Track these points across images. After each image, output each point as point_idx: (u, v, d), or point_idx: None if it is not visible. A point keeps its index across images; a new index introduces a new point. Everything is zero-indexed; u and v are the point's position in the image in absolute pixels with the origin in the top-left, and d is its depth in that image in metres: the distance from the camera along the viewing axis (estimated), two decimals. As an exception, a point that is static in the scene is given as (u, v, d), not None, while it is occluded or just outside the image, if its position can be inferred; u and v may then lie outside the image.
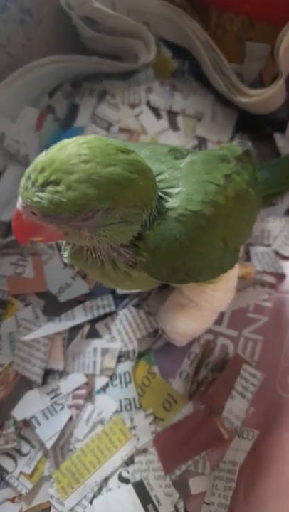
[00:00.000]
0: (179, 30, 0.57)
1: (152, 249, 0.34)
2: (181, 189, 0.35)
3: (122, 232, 0.32)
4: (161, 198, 0.34)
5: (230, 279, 0.45)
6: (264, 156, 0.58)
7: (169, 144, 0.43)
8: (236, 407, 0.45)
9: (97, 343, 0.49)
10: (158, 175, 0.35)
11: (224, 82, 0.54)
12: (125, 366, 0.49)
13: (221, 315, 0.51)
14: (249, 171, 0.43)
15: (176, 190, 0.35)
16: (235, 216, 0.38)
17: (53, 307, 0.51)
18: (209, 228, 0.35)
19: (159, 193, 0.34)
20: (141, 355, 0.49)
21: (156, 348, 0.50)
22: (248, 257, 0.53)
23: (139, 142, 0.56)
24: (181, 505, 0.42)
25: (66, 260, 0.38)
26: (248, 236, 0.45)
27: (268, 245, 0.54)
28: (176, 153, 0.39)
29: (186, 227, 0.34)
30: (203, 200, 0.35)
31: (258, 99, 0.52)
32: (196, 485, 0.42)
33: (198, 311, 0.46)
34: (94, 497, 0.42)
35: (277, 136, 0.58)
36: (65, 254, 0.38)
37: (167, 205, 0.34)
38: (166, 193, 0.35)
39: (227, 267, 0.41)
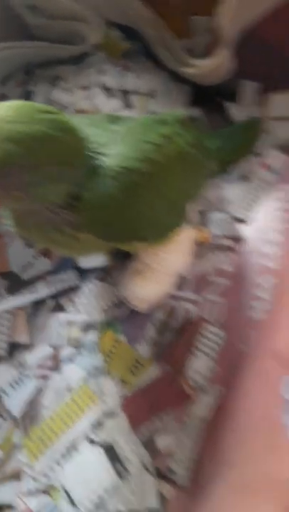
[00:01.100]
0: (125, 10, 0.58)
1: (89, 208, 0.35)
2: (117, 149, 0.36)
3: (54, 192, 0.33)
4: (97, 159, 0.35)
5: (181, 241, 0.46)
6: (218, 127, 0.59)
7: (114, 114, 0.44)
8: (199, 365, 0.46)
9: (62, 316, 0.50)
10: (94, 138, 0.36)
11: (171, 57, 0.56)
12: (91, 336, 0.50)
13: (184, 281, 0.52)
14: (193, 135, 0.44)
15: (112, 151, 0.36)
16: (177, 175, 0.39)
17: (17, 286, 0.52)
18: (147, 186, 0.36)
19: (94, 153, 0.35)
20: (107, 325, 0.50)
21: (122, 316, 0.51)
22: (205, 223, 0.54)
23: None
24: (149, 461, 0.43)
25: (12, 229, 0.39)
26: (196, 197, 0.46)
27: (225, 211, 0.55)
28: (117, 120, 0.40)
29: (121, 184, 0.35)
30: (138, 158, 0.36)
31: (204, 69, 0.53)
32: (163, 442, 0.43)
33: (155, 275, 0.47)
34: (64, 460, 0.43)
35: (229, 105, 0.59)
36: (9, 223, 0.39)
37: (101, 164, 0.35)
38: (102, 154, 0.36)
39: (174, 227, 0.42)
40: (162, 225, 0.40)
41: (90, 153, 0.35)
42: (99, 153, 0.35)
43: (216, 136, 0.56)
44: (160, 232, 0.40)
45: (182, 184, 0.41)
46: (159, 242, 0.43)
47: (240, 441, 0.39)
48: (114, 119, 0.40)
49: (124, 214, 0.36)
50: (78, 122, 0.36)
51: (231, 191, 0.55)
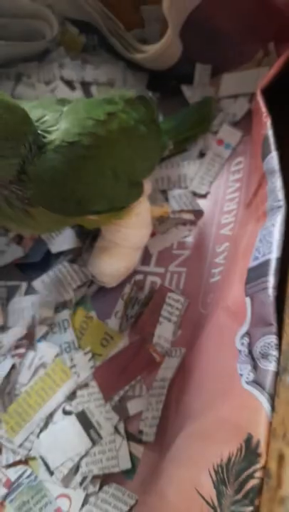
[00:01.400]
0: (78, 6, 0.61)
1: (36, 181, 0.37)
2: (61, 126, 0.38)
3: (3, 167, 0.35)
4: (42, 136, 0.37)
5: (139, 214, 0.48)
6: (176, 109, 0.61)
7: (64, 98, 0.47)
8: (165, 332, 0.48)
9: (34, 299, 0.52)
10: (39, 118, 0.39)
11: (123, 45, 0.58)
12: (63, 315, 0.52)
13: (149, 256, 0.54)
14: (141, 112, 0.47)
15: (56, 127, 0.38)
16: (122, 148, 0.42)
17: (-10, 273, 0.55)
18: (92, 158, 0.39)
19: (40, 131, 0.37)
20: (78, 304, 0.53)
21: (92, 294, 0.53)
22: (167, 201, 0.56)
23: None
24: (121, 425, 0.44)
25: None
26: (147, 171, 0.48)
27: (186, 187, 0.57)
28: (64, 102, 0.43)
29: (65, 157, 0.37)
30: (80, 133, 0.38)
31: (153, 54, 0.56)
32: (133, 406, 0.45)
33: (118, 250, 0.49)
34: (41, 432, 0.45)
35: (184, 88, 0.62)
36: None
37: (46, 140, 0.37)
38: (47, 131, 0.38)
39: (127, 199, 0.44)
40: (113, 197, 0.42)
41: (37, 131, 0.37)
42: (45, 130, 0.38)
43: (172, 117, 0.59)
44: (112, 204, 0.42)
45: (130, 158, 0.43)
46: (115, 216, 0.46)
47: (201, 394, 0.41)
48: (63, 102, 0.42)
49: (69, 186, 0.38)
50: (26, 105, 0.38)
51: (190, 168, 0.58)
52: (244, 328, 0.38)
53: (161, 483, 0.39)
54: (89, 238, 0.57)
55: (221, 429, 0.35)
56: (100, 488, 0.42)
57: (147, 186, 0.50)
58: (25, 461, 0.45)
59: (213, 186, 0.56)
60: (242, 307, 0.39)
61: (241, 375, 0.36)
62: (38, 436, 0.45)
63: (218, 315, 0.42)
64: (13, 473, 0.44)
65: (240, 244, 0.46)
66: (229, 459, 0.32)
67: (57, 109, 0.41)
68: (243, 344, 0.37)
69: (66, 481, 0.43)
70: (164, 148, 0.55)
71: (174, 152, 0.58)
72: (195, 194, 0.56)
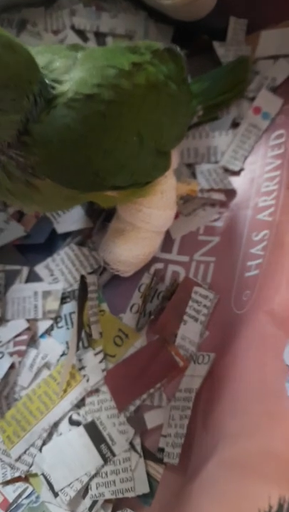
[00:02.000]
0: None
1: (43, 144, 0.29)
2: (74, 75, 0.30)
3: (0, 126, 0.27)
4: (51, 87, 0.29)
5: (165, 192, 0.41)
6: (205, 69, 0.53)
7: (77, 44, 0.38)
8: (190, 332, 0.41)
9: (37, 287, 0.45)
10: (48, 64, 0.31)
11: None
12: (71, 307, 0.45)
13: (171, 242, 0.47)
14: (171, 68, 0.38)
15: (69, 76, 0.30)
16: (150, 107, 0.34)
17: (-13, 254, 0.48)
18: (113, 117, 0.31)
19: (48, 80, 0.29)
20: (88, 294, 0.46)
21: (104, 283, 0.46)
22: (194, 177, 0.49)
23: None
24: (137, 441, 0.38)
25: None
26: (177, 139, 0.41)
27: (216, 162, 0.49)
28: (78, 48, 0.34)
29: (80, 114, 0.29)
30: (100, 84, 0.30)
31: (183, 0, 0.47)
32: (152, 419, 0.39)
33: (138, 234, 0.42)
34: (44, 444, 0.39)
35: (216, 44, 0.53)
36: None
37: (56, 92, 0.29)
38: (57, 81, 0.30)
39: (153, 173, 0.36)
40: (137, 169, 0.34)
41: (44, 80, 0.29)
42: (55, 80, 0.30)
43: (202, 78, 0.50)
44: (134, 178, 0.35)
45: (159, 121, 0.35)
46: (137, 193, 0.38)
47: (235, 412, 0.34)
48: (76, 48, 0.34)
49: (84, 151, 0.30)
50: (30, 50, 0.30)
51: (221, 140, 0.49)
52: (297, 341, 0.31)
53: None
54: (101, 217, 0.49)
55: (268, 462, 0.29)
56: (112, 513, 0.37)
57: (174, 158, 0.42)
58: (25, 478, 0.39)
59: (248, 162, 0.48)
60: (294, 314, 0.32)
61: (293, 398, 0.30)
62: (40, 449, 0.39)
63: (259, 320, 0.35)
64: (11, 492, 0.38)
65: (287, 235, 0.39)
66: (281, 506, 0.26)
67: (69, 55, 0.32)
68: (295, 360, 0.31)
69: (73, 505, 0.37)
70: (193, 115, 0.47)
71: (203, 120, 0.50)
72: (226, 170, 0.48)
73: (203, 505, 0.31)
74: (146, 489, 0.36)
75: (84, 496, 0.37)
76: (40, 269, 0.46)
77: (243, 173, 0.48)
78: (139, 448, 0.38)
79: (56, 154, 0.30)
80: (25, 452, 0.39)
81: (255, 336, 0.35)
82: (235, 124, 0.50)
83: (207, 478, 0.33)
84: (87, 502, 0.36)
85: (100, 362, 0.42)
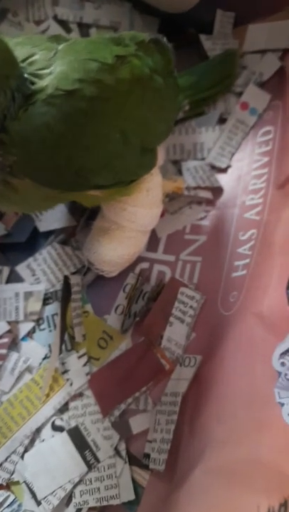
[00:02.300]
0: None
1: (21, 143, 0.28)
2: (55, 69, 0.29)
3: None
4: (30, 82, 0.28)
5: (150, 190, 0.39)
6: (192, 63, 0.52)
7: (59, 35, 0.36)
8: (176, 334, 0.40)
9: (18, 288, 0.44)
10: (27, 58, 0.29)
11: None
12: (53, 308, 0.43)
13: (157, 241, 0.46)
14: (157, 60, 0.37)
15: (48, 70, 0.28)
16: (134, 103, 0.32)
17: None
18: (95, 115, 0.29)
19: (27, 75, 0.28)
20: (71, 295, 0.44)
21: (88, 283, 0.45)
22: (180, 174, 0.48)
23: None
24: (122, 447, 0.37)
25: None
26: (163, 135, 0.39)
27: (202, 159, 0.48)
28: (59, 39, 0.33)
29: (60, 112, 0.28)
30: (81, 79, 0.28)
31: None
32: (137, 424, 0.38)
33: (122, 233, 0.41)
34: (26, 451, 0.38)
35: (203, 37, 0.51)
36: None
37: (35, 87, 0.28)
38: (36, 75, 0.28)
39: (137, 169, 0.35)
40: (121, 168, 0.33)
41: (23, 75, 0.28)
42: (34, 74, 0.28)
43: (189, 72, 0.49)
44: (118, 176, 0.34)
45: (144, 117, 0.34)
46: (121, 192, 0.37)
47: (222, 417, 0.33)
48: (58, 39, 0.32)
49: (65, 151, 0.29)
50: (8, 41, 0.28)
51: (208, 136, 0.48)
52: (285, 345, 0.30)
53: (174, 522, 0.32)
54: (85, 215, 0.48)
55: (256, 472, 0.28)
56: (97, 522, 0.36)
57: (160, 155, 0.41)
58: (7, 486, 0.38)
59: (235, 159, 0.47)
60: (282, 317, 0.32)
61: (282, 404, 0.29)
62: (21, 456, 0.37)
63: (247, 322, 0.35)
64: (-9, 501, 0.37)
65: (274, 235, 0.38)
66: (269, 516, 0.26)
67: (50, 47, 0.31)
68: (283, 365, 0.30)
69: (56, 514, 0.36)
70: (179, 110, 0.46)
71: (189, 115, 0.49)
72: (213, 167, 0.47)
73: (190, 513, 0.31)
74: (131, 496, 0.35)
75: (68, 504, 0.35)
76: (21, 269, 0.45)
77: (230, 171, 0.47)
78: (124, 454, 0.37)
79: (35, 154, 0.28)
80: (6, 460, 0.37)
81: (243, 338, 0.34)
82: (222, 120, 0.49)
83: (194, 486, 0.32)
84: (70, 510, 0.35)
85: (84, 365, 0.40)
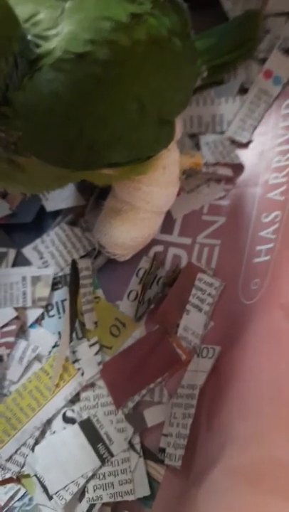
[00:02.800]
0: None
1: (26, 115, 0.25)
2: (62, 29, 0.25)
3: None
4: (35, 45, 0.24)
5: (167, 167, 0.36)
6: (210, 25, 0.47)
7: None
8: (193, 323, 0.38)
9: (25, 271, 0.41)
10: (30, 17, 0.25)
11: None
12: (62, 293, 0.41)
13: (172, 222, 0.43)
14: (174, 20, 0.33)
15: (55, 31, 0.25)
16: (152, 68, 0.29)
17: None
18: (110, 80, 0.26)
19: (31, 37, 0.24)
20: (81, 279, 0.42)
21: (98, 267, 0.42)
22: (197, 149, 0.44)
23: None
24: (136, 440, 0.36)
25: None
26: (181, 105, 0.36)
27: (221, 132, 0.45)
28: None
29: (70, 78, 0.25)
30: (93, 40, 0.25)
31: None
32: (152, 416, 0.36)
33: (136, 215, 0.38)
34: (36, 443, 0.37)
35: (222, -3, 0.47)
36: None
37: (40, 51, 0.24)
38: (42, 37, 0.25)
39: (155, 147, 0.32)
40: (137, 142, 0.30)
41: (26, 37, 0.24)
42: (39, 36, 0.25)
43: (207, 34, 0.45)
44: (134, 152, 0.30)
45: (162, 84, 0.30)
46: (136, 170, 0.34)
47: (245, 414, 0.32)
48: None
49: (76, 123, 0.26)
50: None
51: (228, 107, 0.45)
52: (316, 341, 0.28)
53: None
54: (94, 194, 0.45)
55: (284, 476, 0.27)
56: (111, 517, 0.35)
57: (178, 128, 0.38)
58: (17, 479, 0.36)
59: (258, 133, 0.43)
60: (313, 311, 0.29)
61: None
62: (32, 449, 0.36)
63: (273, 314, 0.32)
64: (2, 494, 0.35)
65: (302, 217, 0.35)
66: (298, 527, 0.24)
67: (55, 5, 0.27)
68: (313, 363, 0.28)
69: (69, 509, 0.34)
70: (197, 76, 0.42)
71: (207, 83, 0.45)
72: (233, 142, 0.44)
73: (210, 514, 0.29)
74: (146, 492, 0.34)
75: (80, 500, 0.34)
76: (28, 251, 0.42)
77: (251, 146, 0.43)
78: (138, 447, 0.35)
79: (42, 128, 0.25)
80: (16, 452, 0.36)
81: (267, 331, 0.32)
82: (243, 90, 0.45)
83: (214, 485, 0.30)
84: (84, 506, 0.34)
85: (96, 354, 0.38)
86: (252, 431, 0.30)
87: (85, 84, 0.25)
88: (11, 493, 0.35)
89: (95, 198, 0.44)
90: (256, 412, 0.30)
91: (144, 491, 0.34)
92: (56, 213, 0.44)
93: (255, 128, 0.44)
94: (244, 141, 0.43)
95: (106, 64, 0.25)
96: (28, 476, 0.36)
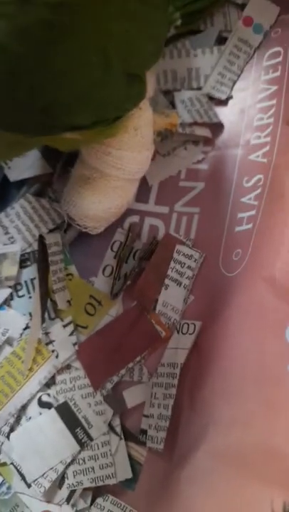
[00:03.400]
0: None
1: None
2: None
3: None
4: None
5: (139, 128, 0.33)
6: None
7: None
8: (172, 298, 0.36)
9: (-10, 248, 0.39)
10: None
11: None
12: (32, 271, 0.38)
13: (147, 190, 0.40)
14: None
15: None
16: (115, 12, 0.25)
17: None
18: (65, 27, 0.22)
19: None
20: (51, 255, 0.39)
21: (70, 241, 0.39)
22: (172, 107, 0.41)
23: None
24: (117, 422, 0.34)
25: None
26: (153, 57, 0.31)
27: (198, 88, 0.41)
28: None
29: (15, 25, 0.21)
30: None
31: None
32: (132, 397, 0.35)
33: (107, 183, 0.35)
34: (11, 430, 0.35)
35: None
36: None
37: None
38: None
39: (123, 103, 0.28)
40: (102, 101, 0.26)
41: None
42: None
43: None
44: (99, 113, 0.27)
45: (128, 31, 0.26)
46: (104, 132, 0.30)
47: (228, 395, 0.30)
48: None
49: (26, 80, 0.22)
50: None
51: (205, 60, 0.41)
52: (303, 317, 0.26)
53: (176, 504, 0.30)
54: (61, 160, 0.41)
55: (269, 461, 0.25)
56: (93, 501, 0.34)
57: (150, 84, 0.34)
58: (-6, 467, 0.35)
59: (238, 88, 0.40)
60: (300, 285, 0.27)
61: (299, 385, 0.25)
62: (7, 436, 0.34)
63: (256, 287, 0.30)
64: (-22, 484, 0.34)
65: (286, 182, 0.32)
66: (286, 513, 0.23)
67: None
68: (301, 341, 0.26)
69: (49, 495, 0.33)
70: (170, 24, 0.38)
71: (181, 32, 0.40)
72: (212, 98, 0.40)
73: (194, 499, 0.28)
74: (128, 475, 0.33)
75: (60, 486, 0.33)
76: (-9, 226, 0.39)
77: (231, 103, 0.40)
78: (118, 430, 0.34)
79: None
80: (-10, 440, 0.35)
81: (251, 306, 0.30)
82: (221, 40, 0.41)
83: (197, 468, 0.29)
84: (64, 492, 0.33)
85: (70, 335, 0.36)
86: (236, 413, 0.28)
87: (34, 32, 0.21)
88: (-12, 483, 0.34)
89: (62, 164, 0.41)
90: (240, 393, 0.29)
91: (126, 473, 0.33)
92: (21, 183, 0.40)
93: (234, 82, 0.40)
94: (223, 97, 0.40)
95: (59, 6, 0.21)
96: (4, 464, 0.34)
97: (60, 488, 0.33)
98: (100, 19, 0.24)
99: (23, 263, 0.38)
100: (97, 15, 0.23)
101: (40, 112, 0.24)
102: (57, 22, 0.21)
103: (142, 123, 0.34)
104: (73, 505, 0.33)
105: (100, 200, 0.36)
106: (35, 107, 0.23)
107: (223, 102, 0.40)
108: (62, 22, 0.22)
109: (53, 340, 0.36)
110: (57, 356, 0.36)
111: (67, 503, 0.32)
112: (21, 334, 0.37)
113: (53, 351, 0.36)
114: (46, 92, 0.23)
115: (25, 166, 0.40)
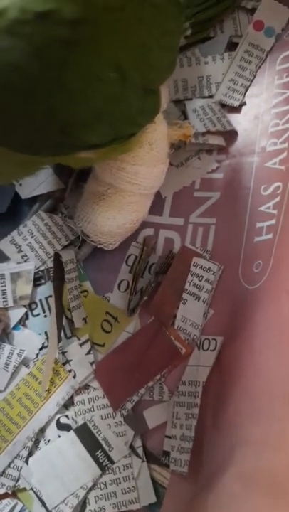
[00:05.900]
0: None
1: None
2: None
3: None
4: None
5: (154, 142, 0.32)
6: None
7: None
8: (191, 313, 0.34)
9: (3, 268, 0.37)
10: None
11: None
12: (46, 289, 0.38)
13: (161, 201, 0.39)
14: None
15: None
16: (130, 25, 0.24)
17: None
18: (81, 43, 0.21)
19: None
20: (66, 272, 0.38)
21: (84, 258, 0.39)
22: (184, 117, 0.40)
23: None
24: (138, 443, 0.33)
25: None
26: (168, 69, 0.31)
27: (210, 96, 0.40)
28: None
29: (31, 44, 0.20)
30: None
31: None
32: (153, 417, 0.33)
33: (122, 199, 0.34)
34: (30, 454, 0.34)
35: None
36: None
37: None
38: None
39: (140, 118, 0.28)
40: (118, 117, 0.26)
41: None
42: None
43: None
44: (117, 127, 0.26)
45: (144, 44, 0.25)
46: (118, 149, 0.29)
47: (254, 415, 0.29)
48: None
49: (43, 100, 0.22)
50: None
51: (216, 67, 0.40)
52: None
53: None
54: (74, 175, 0.41)
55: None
56: (116, 527, 0.32)
57: (164, 97, 0.33)
58: (13, 494, 0.34)
59: (251, 94, 0.39)
60: None
61: None
62: (26, 461, 0.34)
63: (281, 303, 0.29)
64: (-3, 511, 0.34)
65: (307, 189, 0.32)
66: None
67: None
68: None
69: (70, 522, 0.32)
70: (182, 33, 0.37)
71: (190, 41, 0.40)
72: (224, 106, 0.39)
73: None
74: (152, 499, 0.32)
75: (81, 512, 0.32)
76: (4, 245, 0.38)
77: (244, 109, 0.39)
78: (140, 451, 0.33)
79: (1, 108, 0.21)
80: (9, 466, 0.33)
81: (275, 320, 0.29)
82: (232, 45, 0.40)
83: (224, 492, 0.28)
84: (85, 518, 0.32)
85: (87, 353, 0.35)
86: (265, 435, 0.27)
87: (51, 51, 0.21)
88: (7, 509, 0.33)
89: (73, 181, 0.40)
90: (268, 414, 0.27)
91: (149, 498, 0.32)
92: (32, 200, 0.40)
93: (247, 88, 0.39)
94: (236, 104, 0.39)
95: (74, 23, 0.21)
96: (24, 489, 0.33)
97: (82, 515, 0.32)
98: (116, 33, 0.23)
99: (37, 281, 0.38)
100: (113, 28, 0.23)
101: (58, 132, 0.23)
102: (73, 39, 0.21)
103: (157, 137, 0.34)
104: (96, 532, 0.32)
105: (115, 216, 0.35)
106: (53, 128, 0.23)
107: (237, 109, 0.39)
108: (77, 39, 0.21)
109: (70, 360, 0.35)
110: (74, 376, 0.35)
111: (90, 530, 0.31)
112: (37, 354, 0.36)
113: (70, 371, 0.35)
114: (64, 112, 0.23)
115: (36, 182, 0.40)
